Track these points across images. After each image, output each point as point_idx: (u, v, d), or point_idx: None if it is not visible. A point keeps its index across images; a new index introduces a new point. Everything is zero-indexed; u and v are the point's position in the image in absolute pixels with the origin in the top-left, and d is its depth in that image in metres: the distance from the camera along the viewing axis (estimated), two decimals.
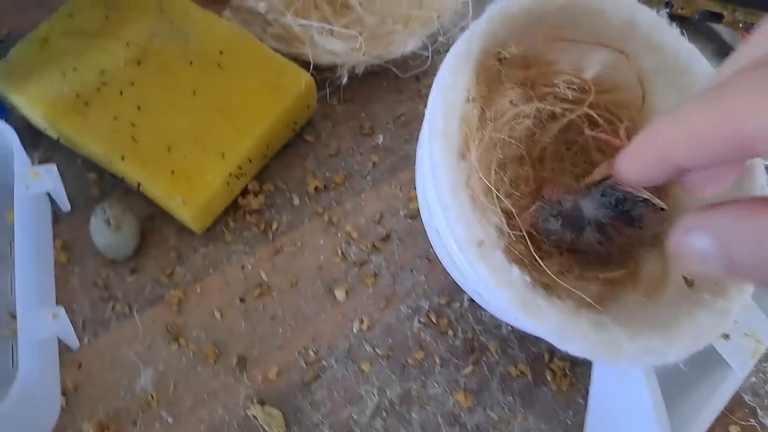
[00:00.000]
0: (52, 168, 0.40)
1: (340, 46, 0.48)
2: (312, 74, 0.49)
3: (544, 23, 0.40)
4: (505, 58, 0.38)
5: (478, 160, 0.36)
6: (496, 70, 0.39)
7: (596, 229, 0.37)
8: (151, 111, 0.46)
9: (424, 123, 0.38)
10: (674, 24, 0.40)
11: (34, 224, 0.42)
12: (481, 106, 0.37)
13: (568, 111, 0.42)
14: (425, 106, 0.55)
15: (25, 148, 0.50)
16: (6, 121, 0.50)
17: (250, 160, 0.47)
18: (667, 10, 0.58)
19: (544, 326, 0.33)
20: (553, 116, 0.43)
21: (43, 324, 0.36)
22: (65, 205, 0.42)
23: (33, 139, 0.50)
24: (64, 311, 0.36)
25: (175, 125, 0.46)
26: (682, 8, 0.57)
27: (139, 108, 0.46)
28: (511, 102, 0.40)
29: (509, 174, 0.41)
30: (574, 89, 0.43)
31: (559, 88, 0.42)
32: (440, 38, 0.55)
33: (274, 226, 0.49)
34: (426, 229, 0.43)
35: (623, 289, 0.40)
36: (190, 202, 0.44)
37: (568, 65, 0.43)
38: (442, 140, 0.32)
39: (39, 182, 0.40)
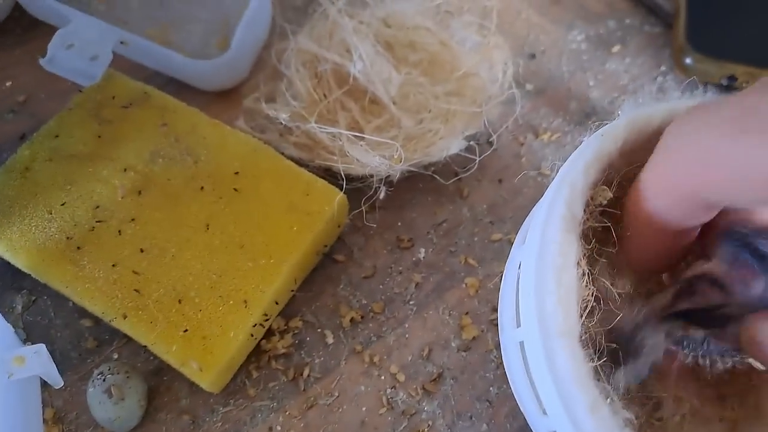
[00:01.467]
0: (42, 350, 0.33)
1: (375, 159, 0.41)
2: (346, 184, 0.42)
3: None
4: (601, 204, 0.31)
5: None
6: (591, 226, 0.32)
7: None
8: (156, 254, 0.38)
9: (521, 314, 0.31)
10: None
11: (17, 410, 0.34)
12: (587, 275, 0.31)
13: None
14: (468, 208, 0.48)
15: (3, 291, 0.43)
16: None
17: (276, 302, 0.40)
18: (729, 83, 0.51)
19: None
20: None
21: None
22: (56, 382, 0.35)
23: (14, 278, 0.43)
24: None
25: (187, 269, 0.38)
26: (747, 82, 0.50)
27: (142, 251, 0.38)
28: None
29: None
30: None
31: None
32: (489, 138, 0.48)
33: (306, 372, 0.41)
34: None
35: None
36: (208, 367, 0.36)
37: None
38: (566, 341, 0.26)
39: (24, 369, 0.32)
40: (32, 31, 0.53)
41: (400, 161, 0.43)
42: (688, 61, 0.51)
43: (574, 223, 0.29)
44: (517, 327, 0.32)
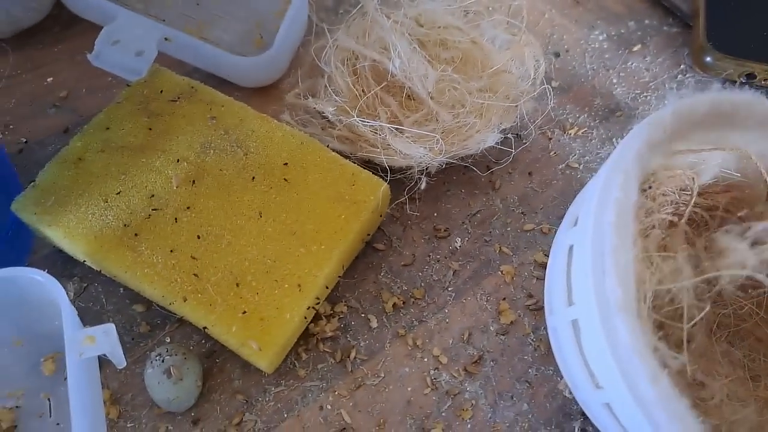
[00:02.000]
0: (110, 329, 0.34)
1: (417, 150, 0.43)
2: (388, 176, 0.44)
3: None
4: (650, 188, 0.33)
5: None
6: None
7: None
8: (213, 240, 0.40)
9: (573, 291, 0.33)
10: None
11: (87, 389, 0.35)
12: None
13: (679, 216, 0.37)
14: (501, 199, 0.50)
15: (57, 279, 0.44)
16: (28, 251, 0.44)
17: (327, 287, 0.41)
18: (747, 81, 0.53)
19: None
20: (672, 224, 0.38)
21: None
22: (121, 362, 0.36)
23: (65, 266, 0.44)
24: None
25: (243, 255, 0.40)
26: (765, 80, 0.53)
27: (198, 237, 0.40)
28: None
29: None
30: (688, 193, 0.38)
31: (675, 194, 0.37)
32: (519, 133, 0.50)
33: (352, 354, 0.43)
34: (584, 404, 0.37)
35: None
36: (267, 347, 0.38)
37: (684, 169, 0.38)
38: (626, 316, 0.27)
39: (94, 347, 0.34)
40: (71, 28, 0.55)
41: (440, 153, 0.45)
42: (708, 59, 0.53)
43: (628, 205, 0.31)
44: (569, 306, 0.34)
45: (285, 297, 0.39)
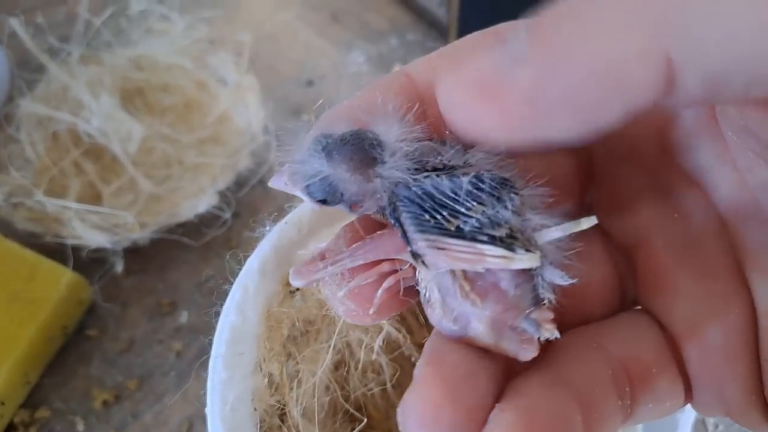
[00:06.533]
0: None
1: (99, 237, 0.38)
2: (84, 256, 0.40)
3: None
4: (298, 289, 0.30)
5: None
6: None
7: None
8: None
9: None
10: None
11: None
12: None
13: None
14: (239, 260, 0.46)
15: None
16: None
17: (2, 403, 0.36)
18: None
19: None
20: None
21: None
22: None
23: None
24: None
25: None
26: None
27: None
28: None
29: None
30: None
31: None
32: (239, 194, 0.45)
33: None
34: None
35: None
36: None
37: None
38: None
39: None
40: None
41: (137, 229, 0.40)
42: None
43: (246, 327, 0.28)
44: None
45: None
